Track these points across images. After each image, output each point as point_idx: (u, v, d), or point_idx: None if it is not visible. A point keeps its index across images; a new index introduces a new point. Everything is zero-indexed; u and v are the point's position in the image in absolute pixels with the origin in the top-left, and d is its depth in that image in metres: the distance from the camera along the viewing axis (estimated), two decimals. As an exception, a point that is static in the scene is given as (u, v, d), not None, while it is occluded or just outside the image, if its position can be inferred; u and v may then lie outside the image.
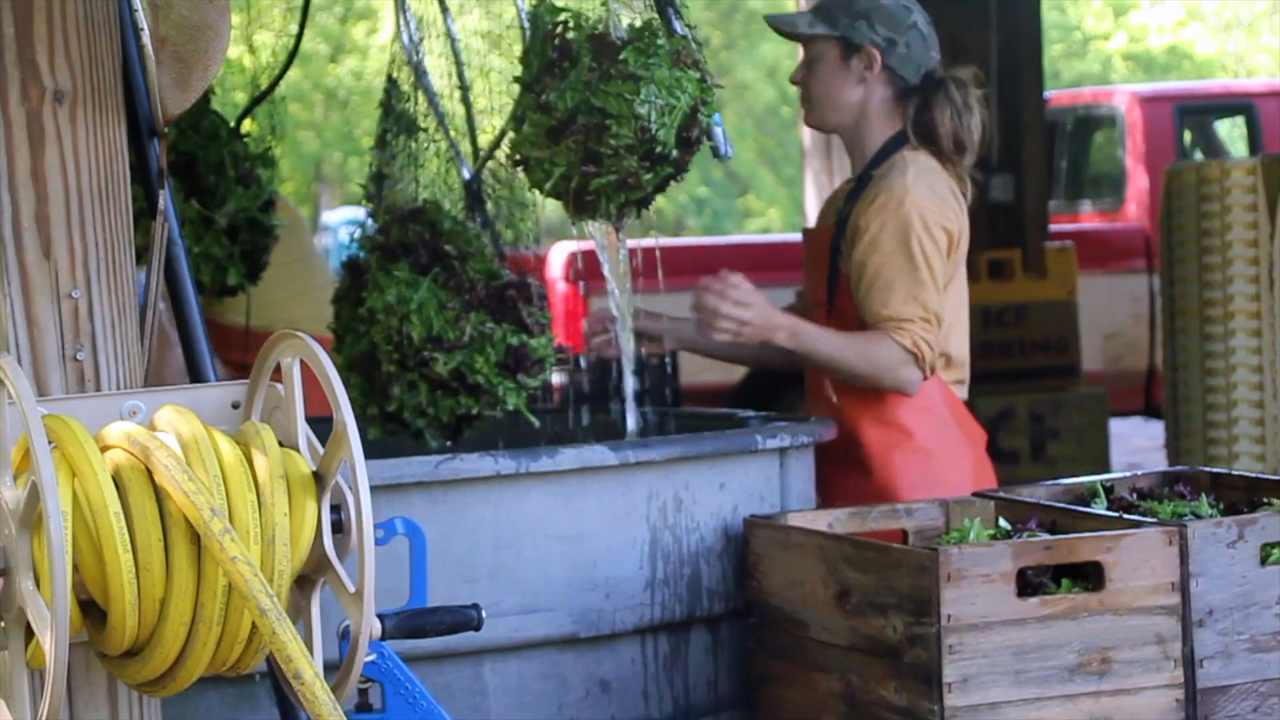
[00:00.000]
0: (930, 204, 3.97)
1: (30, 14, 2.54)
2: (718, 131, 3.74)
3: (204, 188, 4.31)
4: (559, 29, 3.72)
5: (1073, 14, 24.83)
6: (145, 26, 2.65)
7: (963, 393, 4.14)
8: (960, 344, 4.11)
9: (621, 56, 3.64)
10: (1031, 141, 7.82)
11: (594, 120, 3.63)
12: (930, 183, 4.00)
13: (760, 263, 10.01)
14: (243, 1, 4.48)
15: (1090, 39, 24.99)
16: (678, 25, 3.74)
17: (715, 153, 3.74)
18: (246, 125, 4.48)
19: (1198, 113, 11.05)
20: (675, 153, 3.64)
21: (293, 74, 4.99)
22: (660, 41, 3.67)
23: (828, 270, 4.13)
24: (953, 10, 7.46)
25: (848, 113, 4.14)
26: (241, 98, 4.57)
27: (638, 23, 3.74)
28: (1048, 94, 9.83)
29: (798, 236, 7.15)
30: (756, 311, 3.92)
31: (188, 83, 2.75)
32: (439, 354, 3.83)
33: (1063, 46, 24.34)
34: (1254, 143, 10.85)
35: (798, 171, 16.79)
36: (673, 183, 3.74)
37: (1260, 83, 14.36)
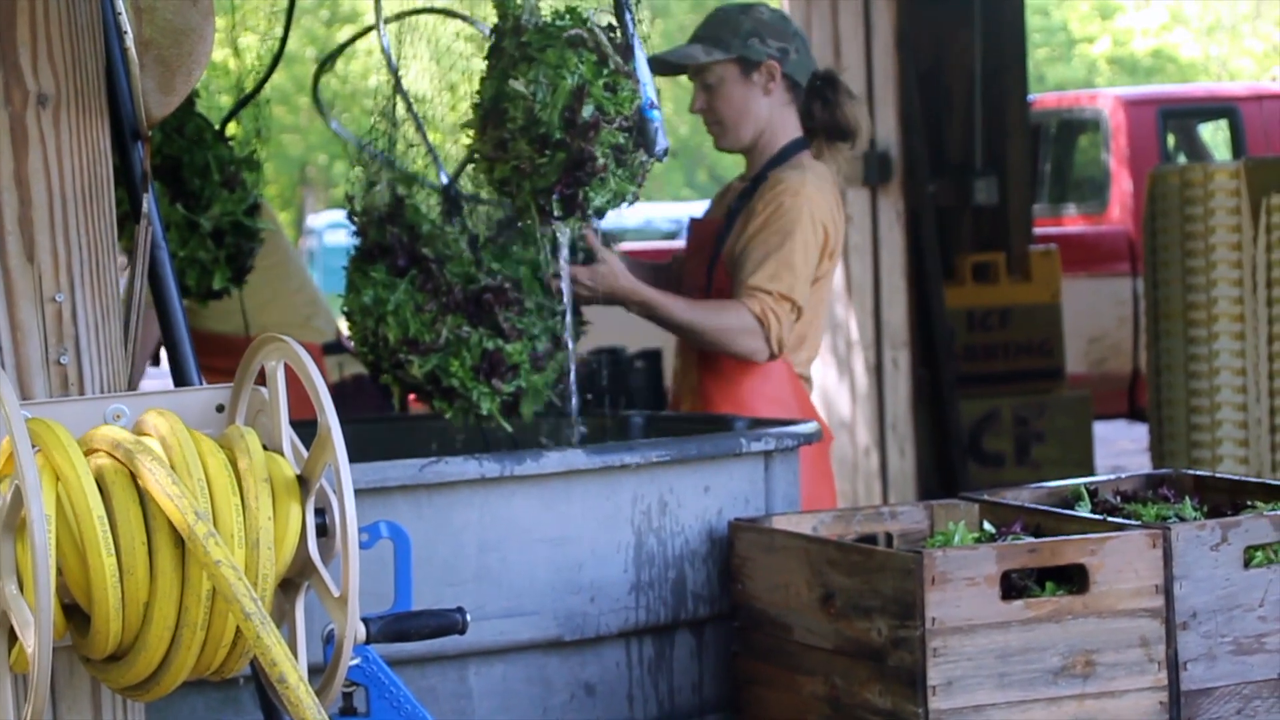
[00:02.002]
0: (819, 202, 4.28)
1: (13, 17, 2.53)
2: (651, 125, 3.72)
3: (189, 191, 4.31)
4: (499, 21, 3.80)
5: (1057, 17, 24.86)
6: (128, 30, 2.65)
7: (808, 379, 4.46)
8: (810, 332, 4.38)
9: (524, 39, 3.68)
10: (1016, 145, 7.82)
11: (500, 106, 3.69)
12: (823, 187, 4.33)
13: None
14: (227, 4, 4.48)
15: (1075, 42, 25.02)
16: (632, 26, 3.73)
17: (648, 148, 3.73)
18: (231, 128, 4.48)
19: (1181, 116, 11.07)
20: (560, 135, 3.64)
21: (277, 77, 4.98)
22: (561, 23, 3.69)
23: (709, 257, 4.39)
24: (936, 13, 7.49)
25: (759, 125, 4.38)
26: (226, 101, 4.56)
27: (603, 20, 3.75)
28: (1032, 97, 9.84)
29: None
30: (601, 282, 4.11)
31: (171, 86, 2.74)
32: (414, 356, 3.83)
33: (1047, 50, 24.38)
34: (1237, 146, 10.87)
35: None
36: (595, 178, 3.69)
37: (1243, 86, 14.39)
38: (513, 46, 3.71)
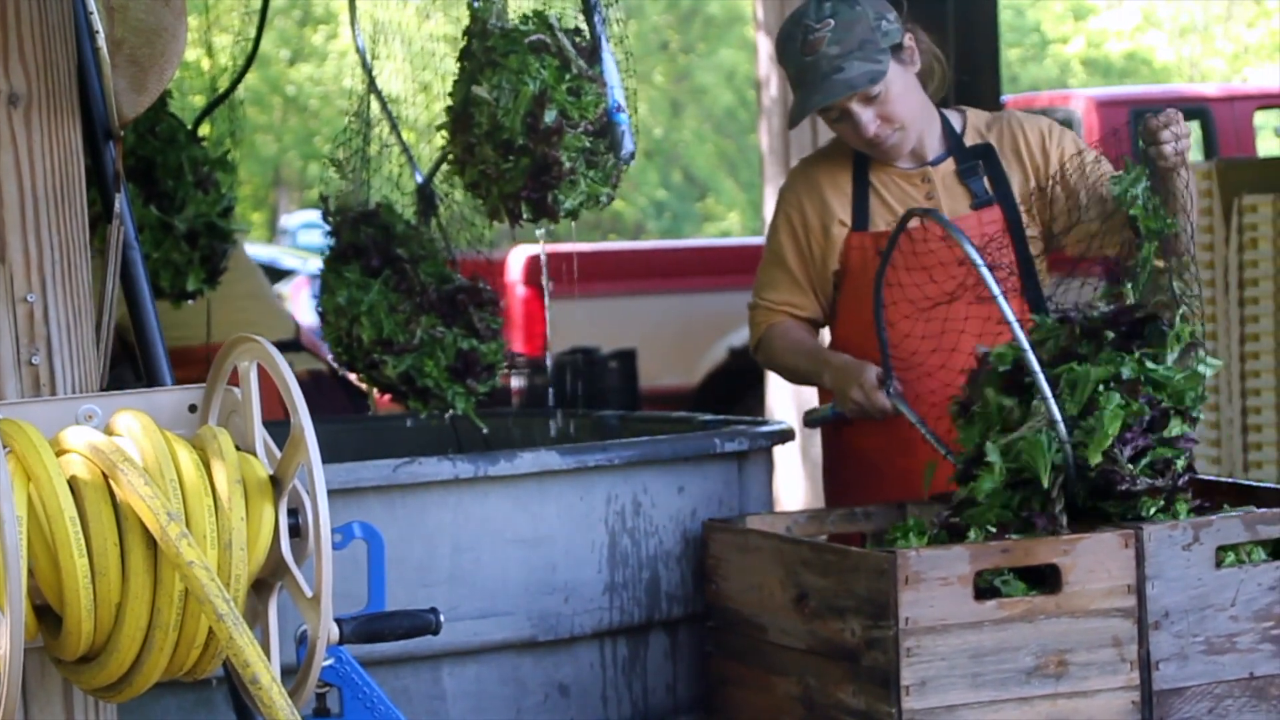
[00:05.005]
0: None
1: (-15, 17, 2.53)
2: (618, 129, 3.65)
3: (162, 192, 4.31)
4: (469, 24, 3.78)
5: (1030, 17, 24.93)
6: (100, 29, 2.64)
7: None
8: None
9: (489, 44, 3.65)
10: (989, 145, 7.82)
11: (467, 111, 3.66)
12: None
13: (720, 267, 10.02)
14: (200, 4, 4.47)
15: (1049, 43, 25.10)
16: (600, 28, 3.71)
17: (615, 151, 3.66)
18: (204, 129, 4.48)
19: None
20: (523, 140, 3.60)
21: (251, 77, 4.98)
22: (525, 28, 3.66)
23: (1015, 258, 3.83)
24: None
25: (926, 102, 3.83)
26: (199, 101, 4.56)
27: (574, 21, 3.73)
28: (1005, 97, 9.85)
29: (758, 240, 7.09)
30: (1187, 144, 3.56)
31: (143, 86, 2.74)
32: (388, 357, 3.83)
33: (1020, 50, 24.44)
34: (1209, 147, 10.90)
35: (756, 175, 16.81)
36: (563, 183, 3.61)
37: (1215, 87, 14.43)
38: (480, 50, 3.70)
